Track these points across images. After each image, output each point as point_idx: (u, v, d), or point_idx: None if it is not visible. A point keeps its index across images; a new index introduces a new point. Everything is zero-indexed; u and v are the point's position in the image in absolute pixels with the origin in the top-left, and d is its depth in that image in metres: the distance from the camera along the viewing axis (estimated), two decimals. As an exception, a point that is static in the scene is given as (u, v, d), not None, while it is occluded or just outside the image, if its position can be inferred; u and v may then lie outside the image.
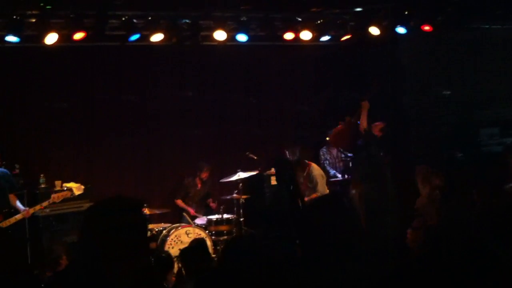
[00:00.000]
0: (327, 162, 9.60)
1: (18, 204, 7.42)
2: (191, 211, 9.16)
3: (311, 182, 8.41)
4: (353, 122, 8.42)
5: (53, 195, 7.49)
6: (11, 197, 7.40)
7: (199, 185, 9.38)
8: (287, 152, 8.76)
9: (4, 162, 7.63)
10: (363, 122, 8.19)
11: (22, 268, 7.34)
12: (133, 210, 2.23)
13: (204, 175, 9.34)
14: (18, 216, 7.27)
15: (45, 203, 7.39)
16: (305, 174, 8.48)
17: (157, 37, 8.56)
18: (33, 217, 7.80)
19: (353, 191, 8.55)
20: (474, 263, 2.57)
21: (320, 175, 8.50)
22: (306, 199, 7.83)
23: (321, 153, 9.71)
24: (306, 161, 8.59)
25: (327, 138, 9.40)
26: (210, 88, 10.28)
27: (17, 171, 7.90)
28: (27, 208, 7.35)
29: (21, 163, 8.15)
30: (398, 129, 10.50)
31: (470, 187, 6.94)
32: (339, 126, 8.76)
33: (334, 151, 9.53)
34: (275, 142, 10.17)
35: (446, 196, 6.74)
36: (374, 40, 9.38)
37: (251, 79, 10.59)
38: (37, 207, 7.36)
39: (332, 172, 9.50)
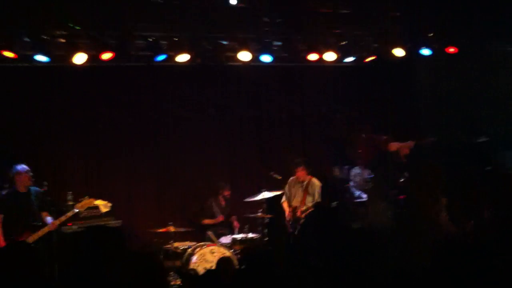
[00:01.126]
0: (353, 183, 9.59)
1: (48, 219, 7.54)
2: (220, 217, 9.22)
3: (311, 194, 8.90)
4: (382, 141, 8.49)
5: (76, 205, 7.62)
6: (44, 214, 7.56)
7: (223, 203, 9.40)
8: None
9: (33, 179, 7.73)
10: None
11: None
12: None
13: (227, 193, 9.38)
14: (45, 229, 7.38)
15: (69, 213, 7.51)
16: (304, 186, 8.94)
17: (182, 58, 8.67)
18: (61, 234, 7.87)
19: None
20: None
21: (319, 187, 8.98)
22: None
23: (352, 173, 9.71)
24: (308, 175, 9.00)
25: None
26: (231, 107, 10.35)
27: (45, 188, 7.96)
28: (52, 221, 7.46)
29: (49, 180, 8.21)
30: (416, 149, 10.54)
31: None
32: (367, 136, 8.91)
33: (366, 173, 9.51)
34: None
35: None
36: (397, 62, 9.42)
37: (271, 99, 10.64)
38: (63, 218, 7.49)
39: (357, 193, 9.49)
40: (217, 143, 10.17)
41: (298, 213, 8.75)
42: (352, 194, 9.49)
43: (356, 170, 9.71)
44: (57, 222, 7.49)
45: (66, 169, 9.05)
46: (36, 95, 8.94)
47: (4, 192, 7.55)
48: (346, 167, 9.86)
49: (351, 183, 9.61)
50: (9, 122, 8.75)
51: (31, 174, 7.58)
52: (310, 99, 10.82)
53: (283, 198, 9.11)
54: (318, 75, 10.23)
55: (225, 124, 10.28)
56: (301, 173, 8.97)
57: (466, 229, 7.53)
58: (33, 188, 7.64)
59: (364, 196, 9.40)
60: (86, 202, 7.74)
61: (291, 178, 9.11)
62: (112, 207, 8.14)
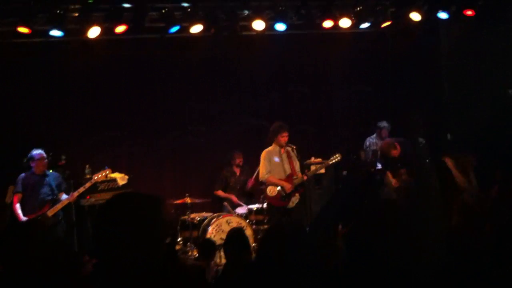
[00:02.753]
0: (370, 151, 9.54)
1: (64, 196, 7.80)
2: (233, 198, 9.26)
3: (295, 159, 8.23)
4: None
5: (94, 176, 7.83)
6: (60, 194, 7.84)
7: (238, 172, 9.46)
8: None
9: (51, 154, 7.89)
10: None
11: (69, 253, 7.57)
12: (151, 206, 2.15)
13: (238, 160, 9.40)
14: (64, 201, 7.63)
15: (88, 184, 7.73)
16: (286, 152, 8.22)
17: (196, 29, 8.63)
18: (79, 206, 8.07)
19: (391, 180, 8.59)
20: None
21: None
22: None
23: (367, 142, 9.66)
24: None
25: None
26: (245, 82, 10.33)
27: (63, 162, 8.14)
28: (72, 193, 7.69)
29: (67, 154, 8.37)
30: (437, 119, 10.46)
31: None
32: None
33: (381, 143, 9.44)
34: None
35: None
36: (415, 27, 9.23)
37: (290, 71, 10.58)
38: (81, 189, 7.71)
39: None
40: (231, 113, 10.16)
41: (305, 178, 8.12)
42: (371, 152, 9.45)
43: (371, 139, 9.65)
44: (76, 193, 7.70)
45: (84, 143, 9.18)
46: (52, 70, 9.01)
47: (23, 175, 7.73)
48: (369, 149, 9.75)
49: (367, 151, 9.56)
50: (25, 98, 8.87)
51: (46, 160, 7.74)
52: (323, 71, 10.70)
53: (265, 173, 8.14)
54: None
55: (239, 95, 10.25)
56: (286, 138, 8.12)
57: (491, 195, 7.46)
58: (51, 173, 7.88)
59: (379, 164, 9.33)
60: (104, 173, 7.91)
61: (268, 149, 8.23)
62: (129, 179, 8.29)
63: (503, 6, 8.92)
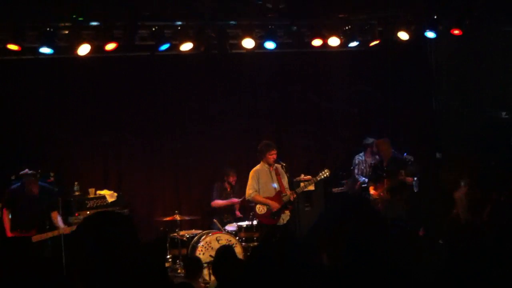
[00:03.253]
0: (357, 170, 9.59)
1: (60, 222, 7.58)
2: (234, 200, 9.23)
3: (283, 177, 8.27)
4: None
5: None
6: (54, 214, 7.59)
7: (229, 189, 9.45)
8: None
9: (39, 171, 7.85)
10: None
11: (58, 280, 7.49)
12: (121, 224, 2.19)
13: (232, 179, 9.40)
14: (54, 232, 7.41)
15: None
16: (274, 170, 8.23)
17: (186, 46, 8.68)
18: (67, 224, 7.99)
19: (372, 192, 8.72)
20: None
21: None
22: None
23: (356, 160, 9.70)
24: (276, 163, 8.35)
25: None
26: (237, 96, 10.37)
27: (51, 179, 8.10)
28: (65, 226, 7.51)
29: (56, 171, 8.34)
30: (428, 130, 10.57)
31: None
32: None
33: (369, 159, 9.51)
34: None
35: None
36: (403, 45, 9.35)
37: (278, 86, 10.63)
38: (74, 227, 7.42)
39: (362, 179, 9.50)
40: (223, 132, 10.16)
41: (292, 197, 8.10)
42: (356, 180, 9.51)
43: (360, 157, 9.70)
44: (69, 229, 7.45)
45: (72, 160, 9.15)
46: (41, 88, 9.00)
47: (12, 187, 7.61)
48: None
49: (356, 171, 9.61)
50: (14, 115, 8.85)
51: (36, 179, 7.54)
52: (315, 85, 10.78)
53: (251, 192, 8.17)
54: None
55: (231, 113, 10.27)
56: (274, 156, 8.16)
57: (482, 216, 7.56)
58: (45, 187, 7.68)
59: (364, 179, 9.43)
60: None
61: (256, 167, 8.26)
62: (118, 197, 8.27)
63: (489, 24, 9.07)
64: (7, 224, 7.40)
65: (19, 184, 7.59)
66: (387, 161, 8.74)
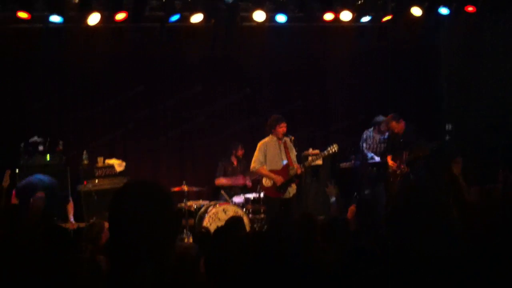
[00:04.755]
0: (366, 145, 9.56)
1: (71, 216, 7.51)
2: (239, 177, 9.25)
3: (291, 150, 8.24)
4: None
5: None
6: (68, 206, 7.53)
7: (235, 163, 9.46)
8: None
9: (48, 139, 7.89)
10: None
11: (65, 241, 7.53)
12: (166, 200, 2.03)
13: (240, 152, 9.41)
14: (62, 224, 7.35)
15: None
16: (283, 143, 8.16)
17: (196, 18, 8.62)
18: (76, 192, 8.06)
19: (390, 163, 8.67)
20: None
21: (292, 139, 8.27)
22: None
23: (364, 135, 9.67)
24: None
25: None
26: (244, 70, 10.32)
27: (60, 147, 8.13)
28: (73, 222, 7.40)
29: (64, 139, 8.37)
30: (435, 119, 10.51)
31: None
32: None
33: (378, 137, 9.47)
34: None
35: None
36: (416, 22, 9.24)
37: (284, 65, 10.59)
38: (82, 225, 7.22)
39: (369, 155, 9.47)
40: (233, 103, 10.16)
41: (299, 171, 8.07)
42: (365, 156, 9.48)
43: (368, 133, 9.66)
44: (76, 225, 7.35)
45: (81, 128, 9.18)
46: (50, 57, 8.97)
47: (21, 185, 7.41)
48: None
49: (364, 145, 9.58)
50: (23, 83, 8.85)
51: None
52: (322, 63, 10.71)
53: (255, 165, 8.16)
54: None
55: (240, 85, 10.25)
56: (284, 129, 8.11)
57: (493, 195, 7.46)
58: (50, 188, 7.26)
59: (377, 158, 9.38)
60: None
61: (265, 140, 8.20)
62: (126, 166, 8.30)
63: (505, 3, 8.91)
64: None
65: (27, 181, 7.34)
66: (403, 136, 8.67)
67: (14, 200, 7.25)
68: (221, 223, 8.00)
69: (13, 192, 7.31)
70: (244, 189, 9.26)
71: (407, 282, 2.30)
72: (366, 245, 4.37)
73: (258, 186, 8.53)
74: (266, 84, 10.47)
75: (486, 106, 9.77)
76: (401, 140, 8.62)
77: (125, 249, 1.94)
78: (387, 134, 9.28)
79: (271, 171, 8.10)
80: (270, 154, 8.15)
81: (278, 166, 8.14)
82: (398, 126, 8.68)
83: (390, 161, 8.75)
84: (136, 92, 9.60)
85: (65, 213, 7.47)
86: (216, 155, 9.65)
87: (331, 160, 9.47)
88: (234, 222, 6.19)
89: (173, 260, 2.17)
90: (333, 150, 8.36)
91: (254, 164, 8.17)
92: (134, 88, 9.59)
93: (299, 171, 8.08)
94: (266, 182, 8.16)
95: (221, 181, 9.33)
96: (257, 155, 8.17)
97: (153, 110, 9.74)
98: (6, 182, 7.44)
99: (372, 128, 9.64)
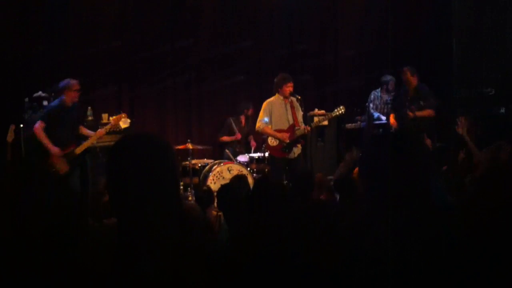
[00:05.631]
0: (372, 105, 9.48)
1: (87, 130, 7.64)
2: (238, 135, 9.29)
3: (298, 109, 8.07)
4: None
5: (110, 120, 7.75)
6: (82, 128, 7.64)
7: (243, 123, 9.43)
8: None
9: (52, 94, 7.82)
10: None
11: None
12: (163, 149, 1.95)
13: (251, 112, 9.37)
14: (91, 141, 7.48)
15: (108, 127, 7.57)
16: (289, 102, 8.01)
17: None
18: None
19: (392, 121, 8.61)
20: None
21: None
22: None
23: (372, 95, 9.57)
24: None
25: None
26: (253, 30, 10.20)
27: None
28: (99, 130, 7.57)
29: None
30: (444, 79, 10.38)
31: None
32: None
33: (385, 97, 9.36)
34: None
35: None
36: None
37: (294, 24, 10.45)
38: (103, 131, 7.54)
39: (376, 115, 9.40)
40: (240, 63, 10.06)
41: (305, 131, 7.92)
42: (371, 116, 9.42)
43: (376, 93, 9.57)
44: (103, 131, 7.54)
45: (86, 84, 9.05)
46: (54, 7, 8.79)
47: (52, 104, 7.51)
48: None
49: (371, 105, 9.51)
50: (28, 37, 8.70)
51: (79, 90, 7.44)
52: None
53: (260, 125, 7.98)
54: None
55: (252, 45, 10.13)
56: (291, 88, 7.94)
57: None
58: (74, 104, 7.53)
59: (383, 118, 9.31)
60: (120, 117, 7.78)
61: (271, 99, 8.03)
62: (131, 123, 8.24)
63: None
64: (46, 140, 7.24)
65: (57, 101, 7.46)
66: (413, 91, 8.49)
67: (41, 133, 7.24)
68: (225, 182, 8.02)
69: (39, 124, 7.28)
70: (249, 149, 9.26)
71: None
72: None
73: (263, 146, 8.47)
74: (276, 41, 10.31)
75: (495, 69, 9.65)
76: (408, 98, 8.45)
77: (125, 205, 1.88)
78: (392, 94, 9.19)
79: (277, 130, 7.97)
80: (276, 113, 7.98)
81: (284, 126, 7.98)
82: (412, 80, 8.43)
83: (392, 120, 8.61)
84: (144, 47, 9.44)
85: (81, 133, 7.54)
86: (222, 113, 9.59)
87: (337, 120, 9.40)
88: (238, 180, 6.19)
89: (178, 217, 1.98)
90: (340, 112, 8.26)
91: (259, 124, 8.02)
92: (142, 41, 9.43)
93: (305, 132, 8.00)
94: (271, 141, 8.05)
95: (224, 139, 9.36)
96: (262, 114, 8.01)
97: (160, 66, 9.60)
98: (10, 137, 7.43)
99: (379, 89, 9.55)
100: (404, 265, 2.13)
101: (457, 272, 2.13)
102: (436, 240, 2.16)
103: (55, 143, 7.21)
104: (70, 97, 7.31)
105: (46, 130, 7.21)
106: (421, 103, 8.22)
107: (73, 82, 7.33)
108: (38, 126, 7.19)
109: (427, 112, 8.28)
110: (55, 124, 7.25)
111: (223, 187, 5.49)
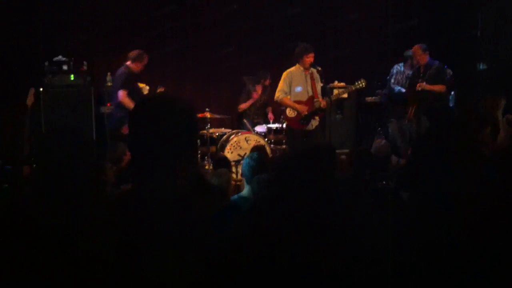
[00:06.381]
0: (394, 79, 9.35)
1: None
2: (254, 95, 9.26)
3: (318, 81, 7.89)
4: None
5: None
6: None
7: (260, 91, 9.34)
8: None
9: (72, 58, 7.83)
10: None
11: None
12: (184, 110, 2.01)
13: (267, 82, 9.28)
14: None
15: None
16: (310, 74, 7.82)
17: None
18: (98, 114, 8.05)
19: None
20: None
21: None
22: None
23: (394, 69, 9.43)
24: None
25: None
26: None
27: (84, 67, 8.06)
28: None
29: (89, 60, 8.28)
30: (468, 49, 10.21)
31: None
32: None
33: (407, 72, 9.22)
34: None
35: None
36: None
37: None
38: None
39: (397, 89, 9.26)
40: (259, 32, 9.96)
41: (323, 104, 7.75)
42: (391, 90, 9.30)
43: (398, 67, 9.42)
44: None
45: (105, 50, 9.07)
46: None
47: (125, 72, 7.92)
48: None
49: (392, 80, 9.37)
50: (50, 3, 8.69)
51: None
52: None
53: (279, 95, 7.82)
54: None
55: (268, 14, 10.02)
56: (311, 59, 7.71)
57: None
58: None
59: (404, 90, 9.19)
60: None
61: (291, 69, 7.84)
62: (150, 90, 8.24)
63: None
64: (130, 104, 7.58)
65: (125, 67, 7.94)
66: (424, 68, 8.39)
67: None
68: (242, 152, 8.03)
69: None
70: (267, 120, 9.21)
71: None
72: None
73: (282, 117, 8.40)
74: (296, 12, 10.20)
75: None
76: (421, 75, 8.34)
77: (145, 162, 1.94)
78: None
79: (295, 101, 7.81)
80: (295, 84, 7.81)
81: (303, 97, 7.81)
82: (422, 57, 8.33)
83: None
84: (163, 18, 9.37)
85: None
86: (240, 83, 9.53)
87: (357, 93, 9.28)
88: (258, 150, 6.19)
89: (194, 176, 2.06)
90: (361, 85, 8.11)
91: (278, 94, 7.86)
92: (162, 14, 9.35)
93: (323, 105, 7.90)
94: (289, 112, 7.93)
95: (241, 107, 9.32)
96: (281, 84, 7.84)
97: (180, 35, 9.56)
98: (30, 100, 7.46)
99: (402, 63, 9.39)
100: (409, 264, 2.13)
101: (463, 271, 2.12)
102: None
103: None
104: (139, 67, 7.99)
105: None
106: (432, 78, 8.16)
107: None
108: (124, 94, 7.74)
109: (438, 87, 8.20)
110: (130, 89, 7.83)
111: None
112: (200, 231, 1.95)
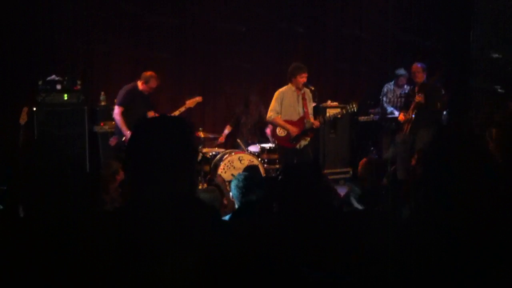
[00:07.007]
0: (386, 99, 9.41)
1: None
2: (222, 139, 9.26)
3: (310, 100, 7.88)
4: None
5: (186, 101, 8.31)
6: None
7: (253, 112, 9.32)
8: None
9: (66, 78, 7.83)
10: None
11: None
12: (183, 129, 2.04)
13: (254, 99, 9.25)
14: None
15: (182, 108, 8.29)
16: (302, 93, 7.78)
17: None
18: (92, 133, 8.04)
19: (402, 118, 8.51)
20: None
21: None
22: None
23: (385, 88, 9.48)
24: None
25: None
26: (266, 20, 10.14)
27: (78, 87, 8.07)
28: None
29: (83, 79, 8.28)
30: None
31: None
32: None
33: (399, 90, 9.27)
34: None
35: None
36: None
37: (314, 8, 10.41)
38: (177, 112, 8.14)
39: (389, 109, 9.33)
40: (254, 50, 10.02)
41: (315, 125, 7.78)
42: (384, 110, 9.36)
43: (389, 86, 9.49)
44: (177, 113, 8.05)
45: (99, 69, 9.05)
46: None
47: (128, 86, 7.93)
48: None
49: (384, 99, 9.44)
50: (43, 22, 8.66)
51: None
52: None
53: (271, 114, 7.76)
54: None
55: (263, 33, 10.09)
56: (304, 79, 7.65)
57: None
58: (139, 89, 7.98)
59: (396, 112, 9.24)
60: (195, 100, 8.40)
61: (282, 89, 7.78)
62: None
63: None
64: (122, 123, 7.64)
65: (133, 84, 7.95)
66: (419, 87, 8.40)
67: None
68: (236, 171, 8.00)
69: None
70: (262, 138, 9.20)
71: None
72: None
73: (271, 136, 8.42)
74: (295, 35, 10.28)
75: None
76: (416, 94, 8.34)
77: (142, 179, 1.96)
78: (405, 87, 9.12)
79: (286, 121, 7.76)
80: (286, 103, 7.74)
81: (294, 117, 7.77)
82: (420, 75, 8.33)
83: (401, 116, 8.44)
84: (157, 33, 9.39)
85: None
86: (233, 103, 9.56)
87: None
88: (252, 170, 6.16)
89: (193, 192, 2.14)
90: (352, 109, 8.12)
91: (270, 114, 7.80)
92: (155, 28, 9.37)
93: (316, 125, 7.86)
94: (279, 131, 7.86)
95: (225, 132, 9.36)
96: (273, 104, 7.78)
97: (174, 51, 9.56)
98: (23, 119, 7.46)
99: (393, 81, 9.48)
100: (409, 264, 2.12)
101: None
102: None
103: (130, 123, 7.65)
104: (151, 87, 8.01)
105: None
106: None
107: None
108: (118, 112, 7.75)
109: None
110: (127, 106, 7.81)
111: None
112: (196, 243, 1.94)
